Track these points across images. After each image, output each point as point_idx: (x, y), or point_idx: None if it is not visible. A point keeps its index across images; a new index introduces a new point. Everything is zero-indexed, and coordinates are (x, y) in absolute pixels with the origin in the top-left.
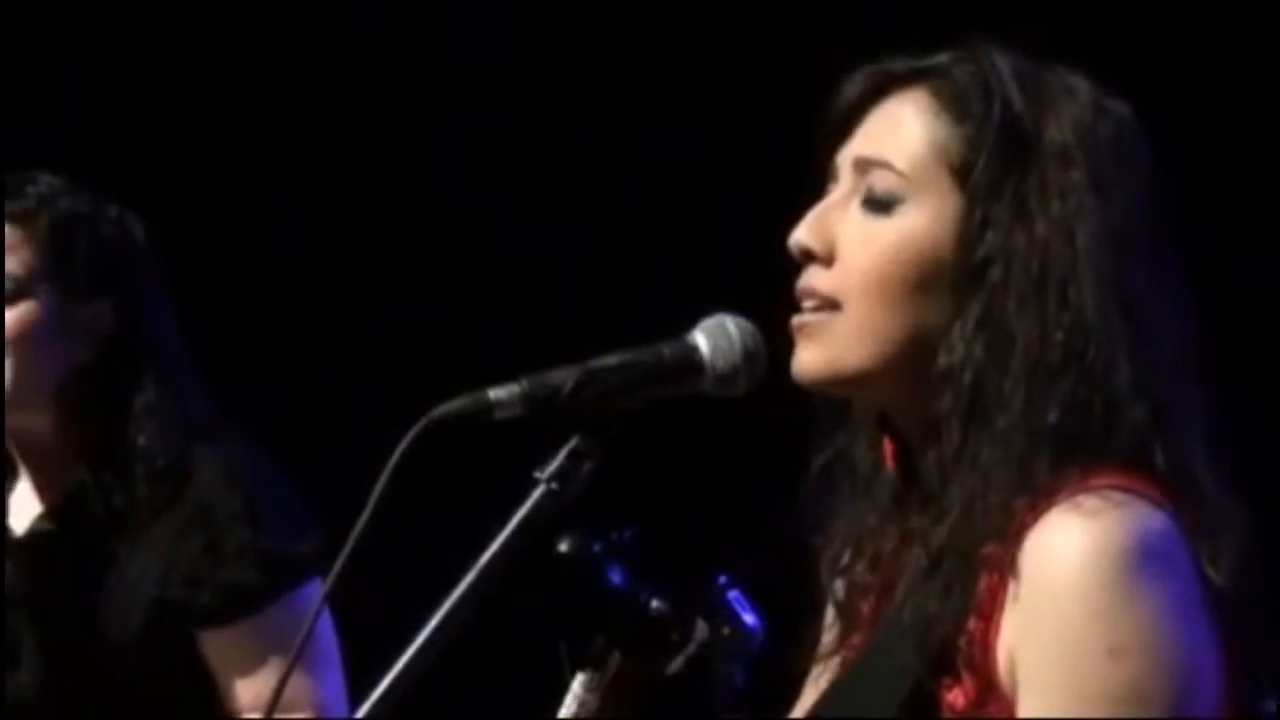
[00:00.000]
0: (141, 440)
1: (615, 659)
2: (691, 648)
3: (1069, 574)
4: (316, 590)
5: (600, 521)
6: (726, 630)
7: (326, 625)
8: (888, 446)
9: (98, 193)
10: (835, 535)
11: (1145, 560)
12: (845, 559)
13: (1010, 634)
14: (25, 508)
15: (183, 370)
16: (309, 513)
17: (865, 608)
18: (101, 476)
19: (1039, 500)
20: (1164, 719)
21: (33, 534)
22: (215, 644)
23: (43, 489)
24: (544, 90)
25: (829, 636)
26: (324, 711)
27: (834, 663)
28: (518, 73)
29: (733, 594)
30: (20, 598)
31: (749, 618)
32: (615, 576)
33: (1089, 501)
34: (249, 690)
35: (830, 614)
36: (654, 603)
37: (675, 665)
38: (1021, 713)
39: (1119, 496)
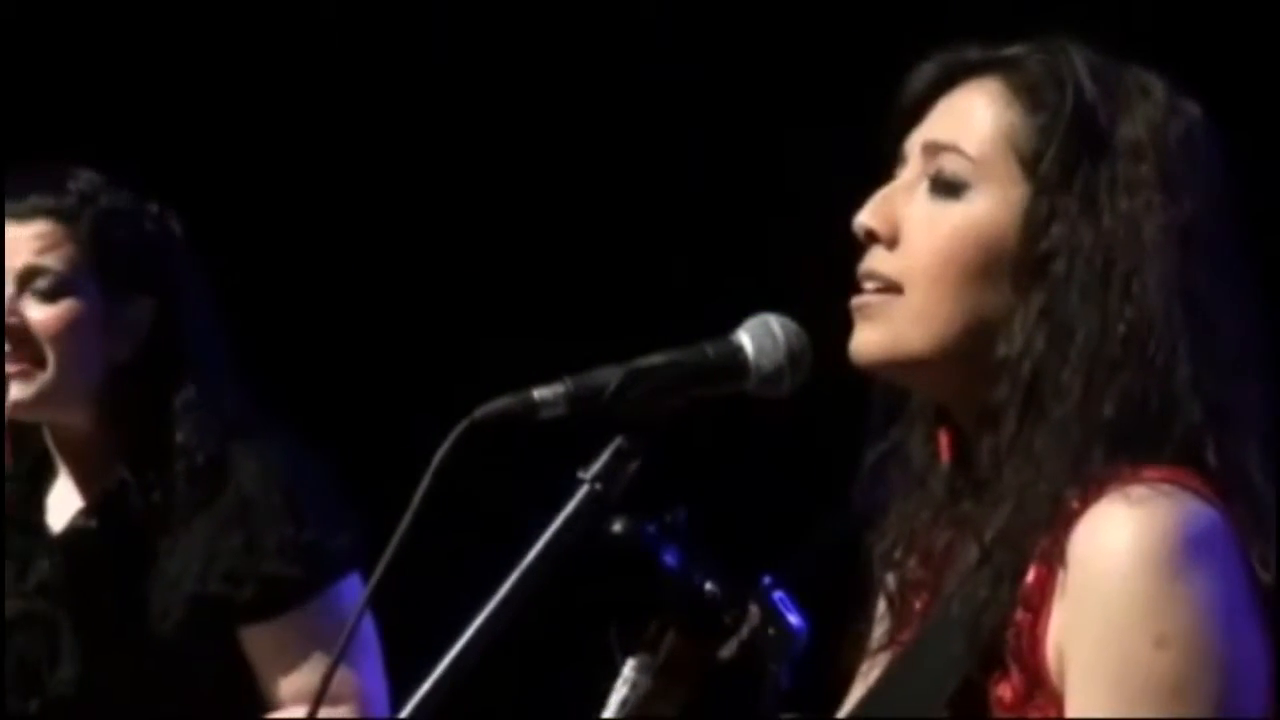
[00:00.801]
0: (180, 438)
1: (669, 641)
2: (745, 631)
3: (1116, 562)
4: (357, 583)
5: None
6: (771, 631)
7: (367, 620)
8: (944, 438)
9: (136, 189)
10: (888, 529)
11: (1193, 551)
12: (898, 553)
13: (1058, 627)
14: (65, 505)
15: (222, 367)
16: (348, 507)
17: (917, 603)
18: (141, 474)
19: (1089, 491)
20: (1208, 716)
21: (72, 531)
22: (256, 639)
23: (82, 486)
24: (588, 87)
25: (879, 631)
26: (366, 705)
27: (883, 658)
28: (562, 66)
29: (778, 595)
30: (60, 595)
31: (794, 618)
32: (669, 557)
33: (1138, 491)
34: (291, 685)
35: (880, 608)
36: (708, 585)
37: (729, 650)
38: (1069, 706)
39: (1168, 488)
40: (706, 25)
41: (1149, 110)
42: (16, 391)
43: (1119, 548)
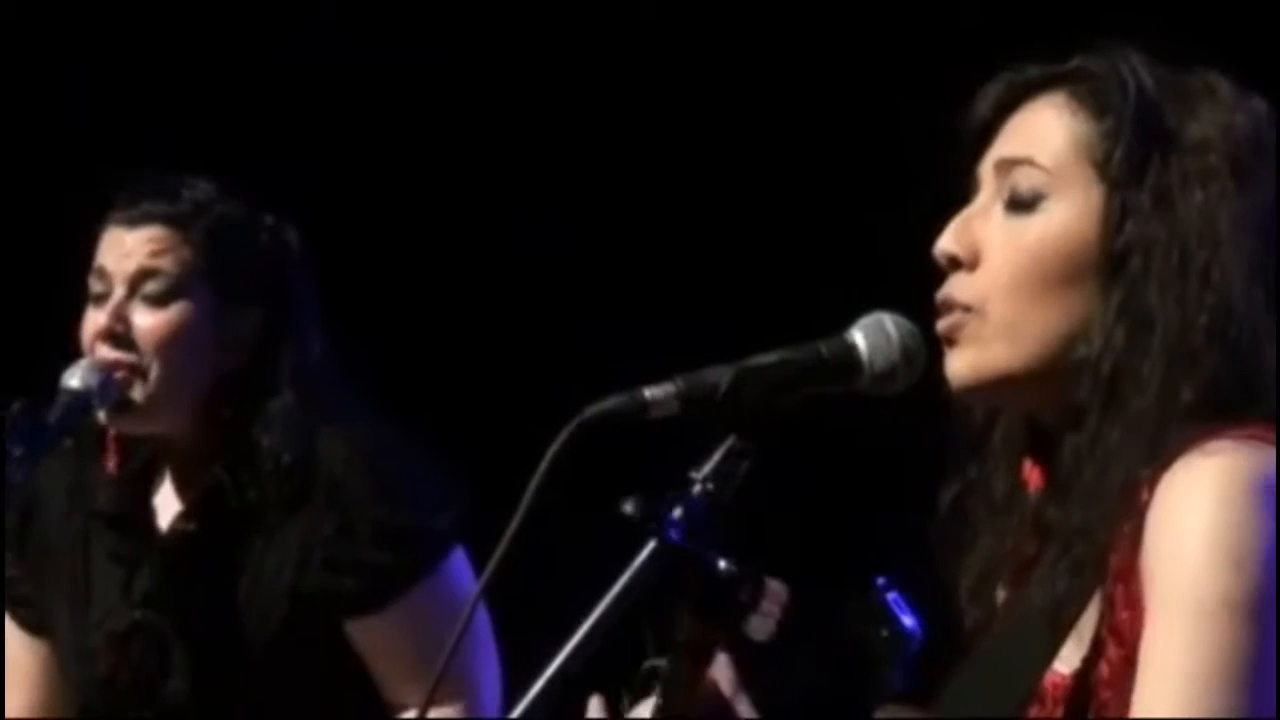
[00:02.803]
0: (266, 441)
1: (686, 621)
2: (771, 608)
3: (1192, 500)
4: (461, 562)
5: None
6: (885, 632)
7: (480, 610)
8: (1031, 469)
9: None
10: (971, 567)
11: (1266, 493)
12: (983, 588)
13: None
14: (168, 508)
15: (322, 376)
16: (447, 484)
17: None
18: (235, 475)
19: (1165, 464)
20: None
21: (172, 535)
22: (364, 631)
23: (181, 490)
24: (701, 89)
25: None
26: (478, 699)
27: None
28: (663, 66)
29: (892, 596)
30: (166, 603)
31: (908, 620)
32: (679, 535)
33: (1214, 445)
34: (404, 675)
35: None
36: (721, 563)
37: (760, 631)
38: (1146, 629)
39: (1246, 443)
40: (820, 16)
41: (1215, 106)
42: (123, 401)
43: (1194, 487)
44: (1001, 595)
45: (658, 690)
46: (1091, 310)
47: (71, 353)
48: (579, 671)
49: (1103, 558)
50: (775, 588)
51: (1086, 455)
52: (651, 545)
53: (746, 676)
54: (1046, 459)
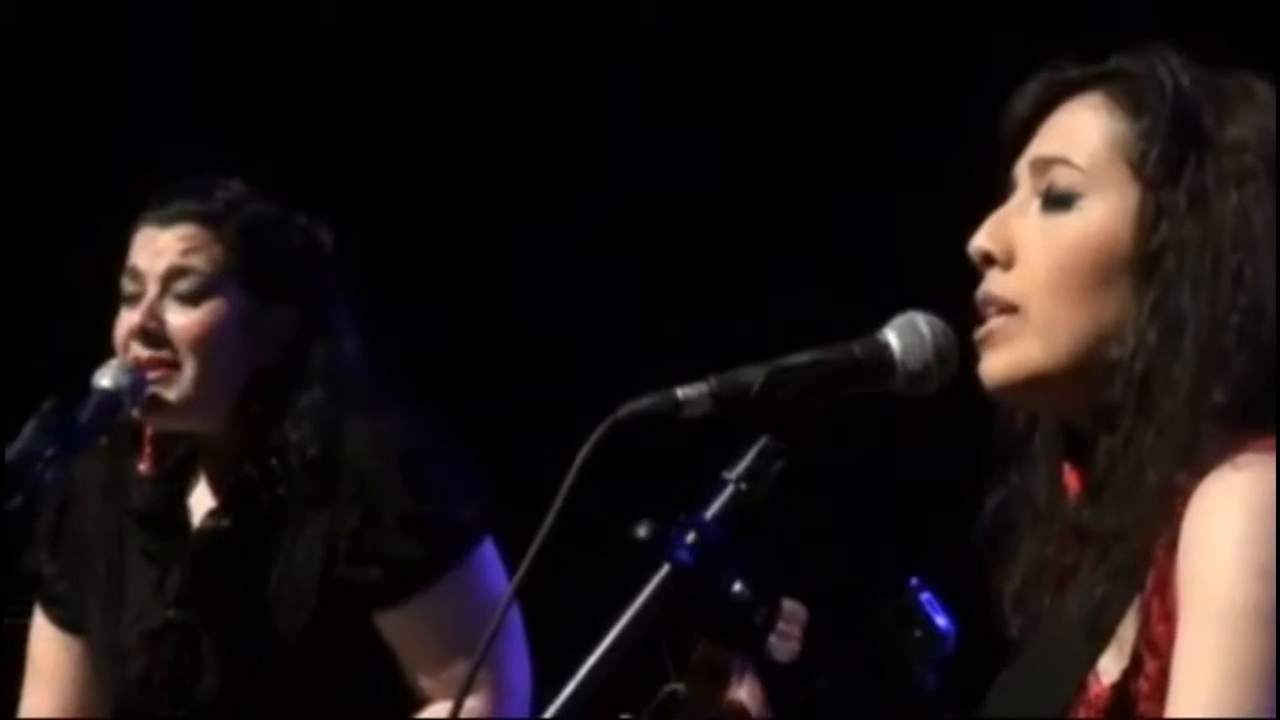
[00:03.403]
0: (294, 436)
1: (702, 643)
2: (790, 629)
3: (1223, 513)
4: (489, 554)
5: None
6: (919, 633)
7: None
8: (1070, 474)
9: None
10: (1014, 573)
11: None
12: (1028, 594)
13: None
14: (201, 506)
15: (355, 372)
16: (474, 476)
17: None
18: (266, 471)
19: (1198, 472)
20: None
21: (203, 532)
22: (392, 624)
23: (215, 487)
24: (740, 90)
25: None
26: (507, 693)
27: None
28: (714, 66)
29: (925, 596)
30: (197, 601)
31: (942, 620)
32: (690, 557)
33: (1244, 459)
34: (432, 666)
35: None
36: (736, 585)
37: (782, 652)
38: (1178, 639)
39: (1268, 455)
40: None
41: (1253, 108)
42: (155, 397)
43: (1225, 500)
44: (1046, 603)
45: (677, 714)
46: (1125, 310)
47: (104, 353)
48: (595, 696)
49: (1140, 564)
50: (792, 608)
51: (1120, 456)
52: (664, 571)
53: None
54: (1083, 463)
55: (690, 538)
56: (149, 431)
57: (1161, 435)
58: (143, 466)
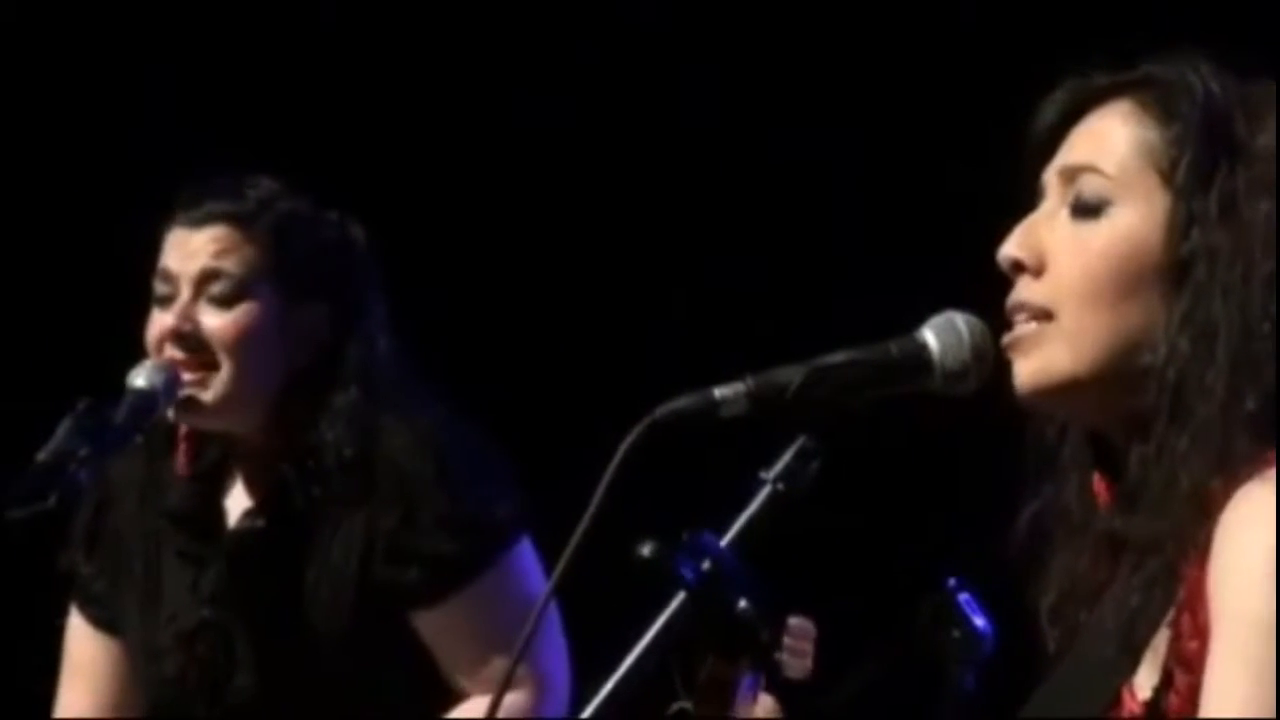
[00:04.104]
0: (330, 436)
1: (709, 661)
2: (800, 645)
3: (1254, 526)
4: (527, 552)
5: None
6: (957, 633)
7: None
8: (1100, 485)
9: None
10: (1050, 585)
11: None
12: (1064, 608)
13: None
14: (237, 507)
15: (389, 370)
16: (510, 473)
17: None
18: (302, 471)
19: (1231, 482)
20: None
21: (240, 532)
22: (429, 623)
23: (251, 487)
24: (779, 93)
25: None
26: (546, 690)
27: None
28: (745, 75)
29: (964, 597)
30: (232, 601)
31: (980, 621)
32: (693, 575)
33: (1270, 471)
34: (470, 664)
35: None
36: (741, 603)
37: (795, 669)
38: (1210, 655)
39: None
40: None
41: None
42: (191, 399)
43: (1254, 516)
44: (1082, 617)
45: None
46: (1155, 318)
47: (137, 354)
48: (651, 676)
49: (1173, 573)
50: (799, 625)
51: (1153, 464)
52: (679, 599)
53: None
54: (1112, 473)
55: (695, 556)
56: (183, 431)
57: (1195, 442)
58: (179, 466)
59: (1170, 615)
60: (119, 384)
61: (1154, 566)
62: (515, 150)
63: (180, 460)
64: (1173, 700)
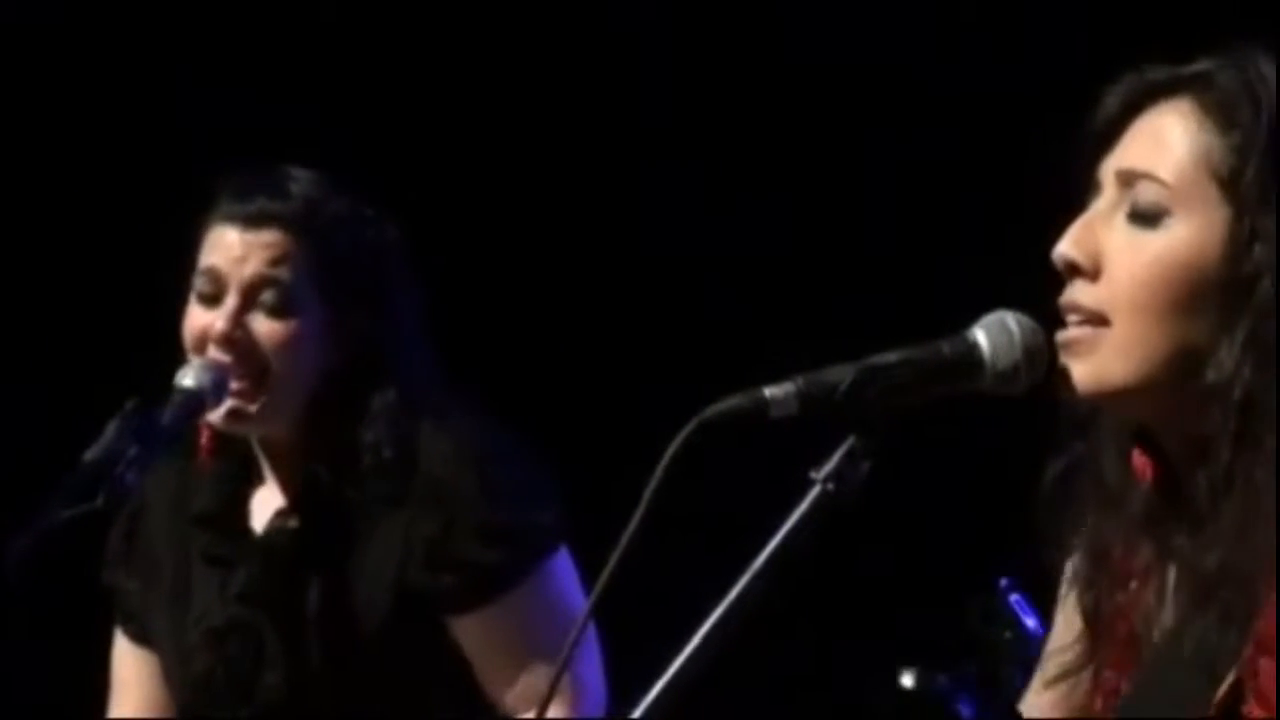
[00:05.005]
0: (369, 437)
1: None
2: None
3: None
4: (564, 561)
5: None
6: (1009, 634)
7: (583, 604)
8: (1140, 460)
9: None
10: (1078, 547)
11: None
12: (1094, 573)
13: None
14: (267, 507)
15: (424, 369)
16: (548, 482)
17: (1121, 626)
18: (336, 472)
19: None
20: None
21: (272, 532)
22: (466, 630)
23: (283, 487)
24: (819, 89)
25: (1076, 649)
26: (582, 700)
27: (1085, 678)
28: (786, 69)
29: (1015, 597)
30: (263, 600)
31: (1031, 621)
32: (965, 710)
33: None
34: (508, 674)
35: (1061, 624)
36: None
37: None
38: None
39: None
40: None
41: None
42: (238, 409)
43: None
44: (1110, 590)
45: None
46: (1215, 334)
47: (171, 352)
48: (700, 676)
49: (1252, 610)
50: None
51: (1224, 494)
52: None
53: None
54: (1156, 455)
55: (961, 687)
56: (214, 434)
57: (1268, 473)
58: (201, 460)
59: (1244, 651)
60: (150, 380)
61: (1231, 601)
62: (551, 155)
63: (201, 454)
64: None
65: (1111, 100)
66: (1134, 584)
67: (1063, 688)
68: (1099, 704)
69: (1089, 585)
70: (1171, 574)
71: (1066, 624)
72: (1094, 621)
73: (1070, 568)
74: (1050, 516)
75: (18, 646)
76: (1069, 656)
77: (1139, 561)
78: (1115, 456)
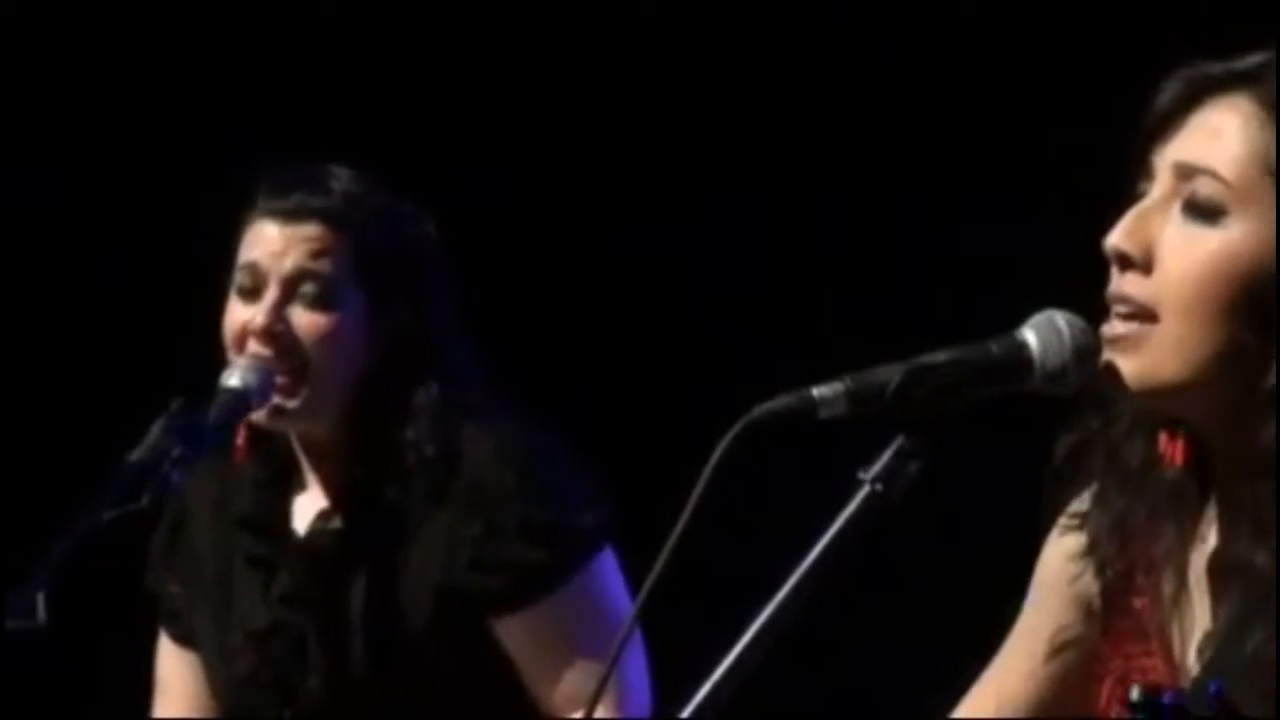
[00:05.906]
0: (411, 435)
1: None
2: None
3: None
4: (609, 561)
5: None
6: None
7: (629, 612)
8: (1174, 443)
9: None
10: (1091, 522)
11: None
12: (1109, 551)
13: None
14: (309, 509)
15: (464, 365)
16: (594, 482)
17: (1139, 605)
18: (378, 472)
19: None
20: None
21: (314, 533)
22: (510, 630)
23: (325, 488)
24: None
25: (1082, 626)
26: (626, 701)
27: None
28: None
29: None
30: (305, 602)
31: None
32: None
33: None
34: (552, 674)
35: (1052, 601)
36: None
37: None
38: None
39: None
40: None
41: None
42: (278, 405)
43: None
44: (1126, 569)
45: None
46: (1269, 337)
47: (214, 352)
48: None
49: None
50: None
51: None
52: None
53: None
54: (1187, 437)
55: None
56: (252, 434)
57: None
58: (239, 460)
59: None
60: (193, 380)
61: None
62: (596, 153)
63: (239, 454)
64: None
65: (1166, 94)
66: (1149, 568)
67: (1056, 667)
68: (1104, 689)
69: (1103, 566)
70: (1196, 560)
71: (1061, 602)
72: (1112, 602)
73: (1060, 546)
74: (1058, 493)
75: (62, 647)
76: (1068, 635)
77: (1159, 547)
78: (1141, 439)
